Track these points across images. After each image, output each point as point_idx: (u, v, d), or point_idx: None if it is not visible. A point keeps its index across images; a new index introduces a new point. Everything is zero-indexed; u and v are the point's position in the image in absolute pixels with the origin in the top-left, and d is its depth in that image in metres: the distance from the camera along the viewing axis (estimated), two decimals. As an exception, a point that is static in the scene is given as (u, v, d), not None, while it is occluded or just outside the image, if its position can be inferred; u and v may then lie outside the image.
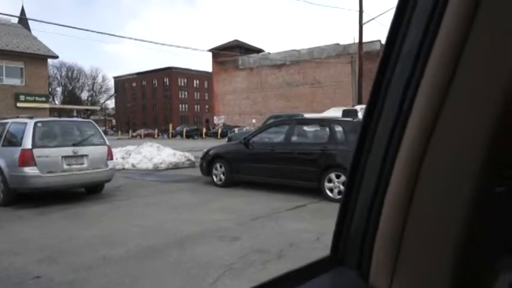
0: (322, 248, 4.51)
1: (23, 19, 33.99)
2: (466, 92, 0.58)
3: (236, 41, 55.20)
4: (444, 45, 0.59)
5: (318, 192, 7.74)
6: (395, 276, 0.65)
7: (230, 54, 47.22)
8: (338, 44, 40.96)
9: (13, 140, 7.86)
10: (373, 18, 27.29)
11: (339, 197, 7.25)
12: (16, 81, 26.88)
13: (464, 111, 0.58)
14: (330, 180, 7.59)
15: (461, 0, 0.58)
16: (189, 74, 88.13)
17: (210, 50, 47.77)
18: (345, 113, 9.64)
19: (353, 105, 18.96)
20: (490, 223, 0.65)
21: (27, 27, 33.58)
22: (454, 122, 0.59)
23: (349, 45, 38.56)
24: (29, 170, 7.27)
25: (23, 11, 54.62)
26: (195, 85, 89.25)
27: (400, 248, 0.64)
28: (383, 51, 0.71)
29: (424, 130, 0.61)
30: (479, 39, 0.57)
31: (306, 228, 5.61)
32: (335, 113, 12.83)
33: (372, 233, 0.69)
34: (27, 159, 7.29)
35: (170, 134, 52.72)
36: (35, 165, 7.31)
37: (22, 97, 26.58)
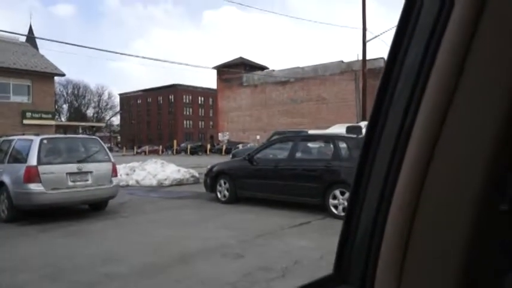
0: (327, 266, 4.44)
1: (30, 38, 34.60)
2: (467, 110, 0.58)
3: (240, 58, 55.70)
4: (445, 63, 0.60)
5: (322, 209, 7.68)
6: None
7: (234, 71, 47.61)
8: (342, 62, 41.23)
9: (18, 157, 7.90)
10: (377, 36, 27.53)
11: (343, 213, 7.17)
12: (23, 99, 27.14)
13: (465, 128, 0.59)
14: (334, 197, 7.54)
15: (461, 18, 0.58)
16: (194, 91, 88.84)
17: (214, 68, 48.20)
18: (349, 130, 9.64)
19: (357, 122, 18.97)
20: (495, 241, 0.64)
21: (35, 46, 34.15)
22: (455, 139, 0.59)
23: (352, 62, 38.78)
24: (34, 187, 7.28)
25: (30, 29, 55.64)
26: (199, 102, 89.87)
27: (404, 265, 0.63)
28: (385, 68, 0.71)
29: (426, 146, 0.61)
30: (479, 56, 0.57)
31: (310, 245, 5.55)
32: (339, 129, 12.83)
33: (375, 250, 0.68)
34: (32, 175, 7.31)
35: (175, 151, 52.78)
36: (40, 181, 7.32)
37: (29, 114, 26.81)
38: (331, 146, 8.15)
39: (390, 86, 0.70)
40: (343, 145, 7.96)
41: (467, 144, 0.58)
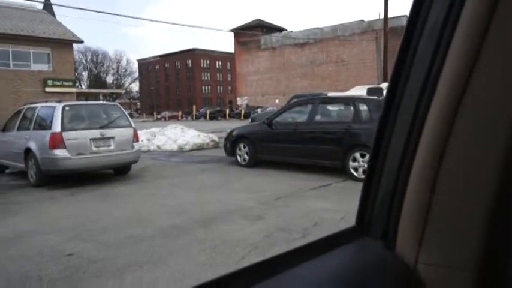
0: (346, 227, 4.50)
1: (47, 5, 34.48)
2: (493, 67, 0.57)
3: (258, 20, 54.58)
4: (469, 20, 0.57)
5: (342, 172, 7.69)
6: (423, 245, 0.65)
7: (252, 34, 46.81)
8: (362, 21, 39.99)
9: (43, 124, 8.11)
10: (399, -7, 26.40)
11: (363, 176, 7.17)
12: (43, 67, 27.45)
13: (492, 86, 0.57)
14: (354, 160, 7.52)
15: None
16: (212, 55, 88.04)
17: (232, 30, 47.54)
18: (370, 91, 9.47)
19: (378, 83, 18.58)
20: None
21: (52, 13, 34.11)
22: (481, 97, 0.58)
23: (374, 21, 37.60)
24: (59, 153, 7.50)
25: (47, -4, 55.33)
26: (217, 66, 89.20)
27: (428, 217, 0.64)
28: (406, 28, 0.69)
29: (451, 105, 0.60)
30: (506, 14, 0.54)
31: (330, 207, 5.61)
32: (359, 91, 12.62)
33: (398, 203, 0.68)
34: (57, 142, 7.51)
35: (194, 116, 53.09)
36: (65, 147, 7.53)
37: (50, 82, 27.19)
38: (352, 108, 8.04)
39: (412, 46, 0.68)
40: (363, 107, 7.85)
41: (494, 101, 0.57)
